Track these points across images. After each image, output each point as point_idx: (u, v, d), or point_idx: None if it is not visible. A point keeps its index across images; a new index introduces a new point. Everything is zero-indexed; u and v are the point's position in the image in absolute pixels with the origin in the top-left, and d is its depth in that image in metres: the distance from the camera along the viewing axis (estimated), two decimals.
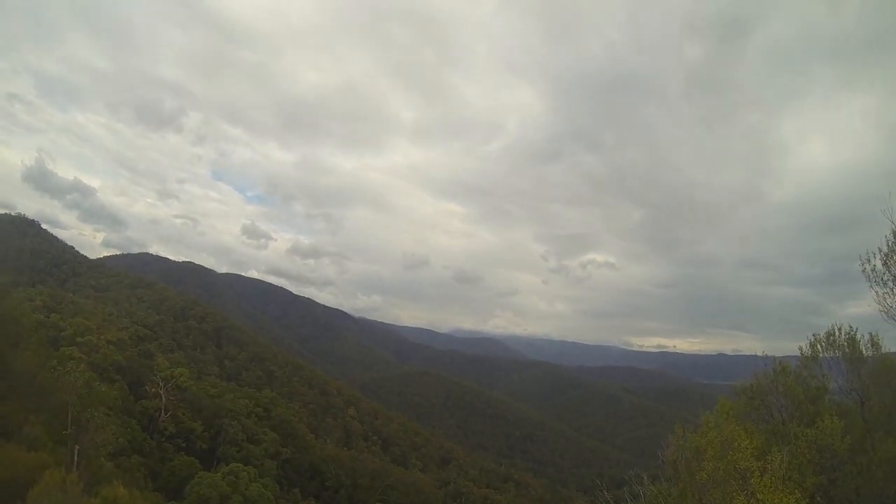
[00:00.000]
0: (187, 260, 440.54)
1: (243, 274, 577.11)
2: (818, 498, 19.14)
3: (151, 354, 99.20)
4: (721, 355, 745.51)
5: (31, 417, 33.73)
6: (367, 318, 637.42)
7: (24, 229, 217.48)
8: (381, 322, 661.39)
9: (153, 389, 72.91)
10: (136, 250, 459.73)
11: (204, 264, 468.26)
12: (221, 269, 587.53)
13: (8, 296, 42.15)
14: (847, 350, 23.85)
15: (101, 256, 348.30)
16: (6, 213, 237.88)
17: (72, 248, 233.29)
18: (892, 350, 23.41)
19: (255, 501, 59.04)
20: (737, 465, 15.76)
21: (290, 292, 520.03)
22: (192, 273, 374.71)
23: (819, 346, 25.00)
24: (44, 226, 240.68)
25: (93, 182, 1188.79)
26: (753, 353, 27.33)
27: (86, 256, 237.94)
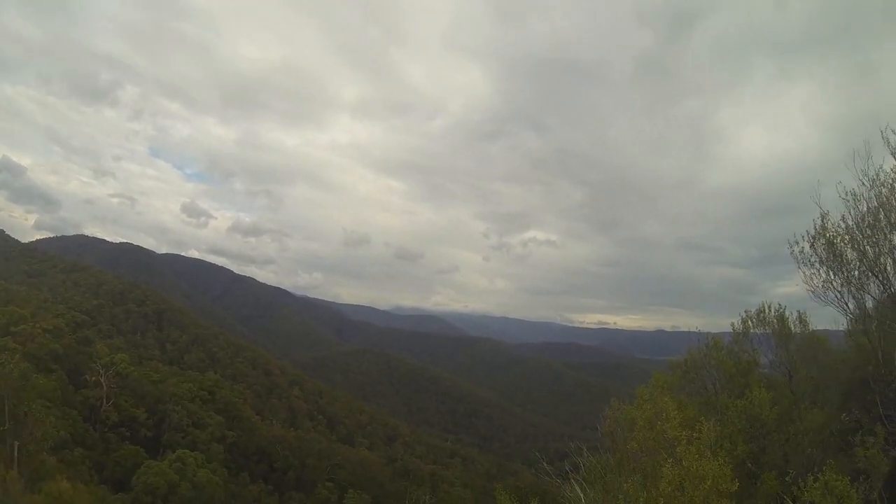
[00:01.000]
0: (125, 241, 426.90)
1: (184, 254, 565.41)
2: (749, 464, 20.54)
3: (90, 341, 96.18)
4: (660, 332, 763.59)
5: None
6: (309, 296, 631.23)
7: None
8: (323, 300, 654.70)
9: (93, 378, 71.22)
10: (70, 232, 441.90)
11: (143, 245, 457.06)
12: (161, 249, 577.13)
13: None
14: (776, 326, 25.34)
15: (34, 240, 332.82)
16: None
17: (1, 230, 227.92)
18: (819, 328, 25.10)
19: (203, 487, 58.83)
20: (665, 434, 16.73)
21: (232, 271, 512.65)
22: (130, 254, 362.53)
23: (750, 323, 26.47)
24: None
25: (23, 160, 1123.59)
26: (690, 330, 28.78)
27: (17, 240, 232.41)
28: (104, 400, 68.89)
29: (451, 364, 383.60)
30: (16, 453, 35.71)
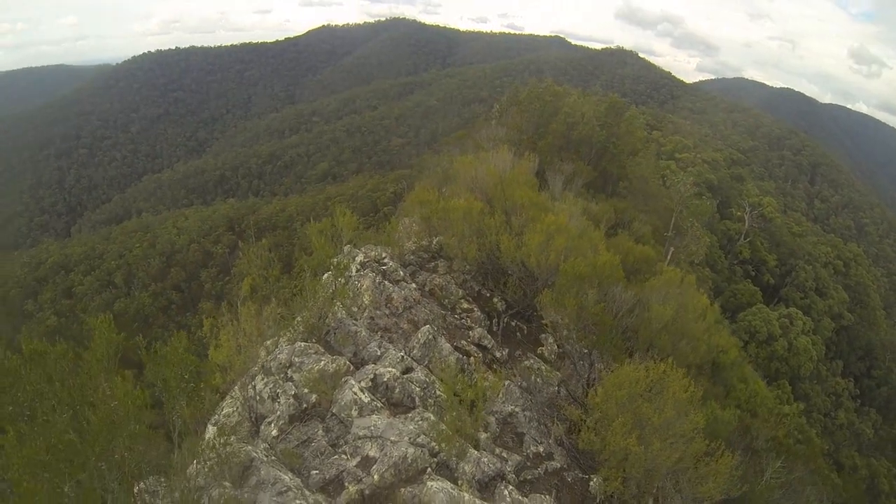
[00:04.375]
0: (785, 86, 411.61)
1: (849, 106, 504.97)
2: None
3: (742, 179, 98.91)
4: None
5: (640, 216, 39.28)
6: None
7: (623, 59, 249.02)
8: None
9: (738, 213, 75.69)
10: (730, 75, 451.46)
11: (804, 91, 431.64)
12: (824, 98, 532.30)
13: (626, 111, 48.65)
14: None
15: (696, 81, 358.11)
16: (607, 47, 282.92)
17: (668, 73, 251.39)
18: None
19: (797, 352, 58.38)
20: None
21: None
22: (789, 100, 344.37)
23: None
24: (640, 55, 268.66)
25: (679, 11, 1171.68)
26: None
27: (681, 80, 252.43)
28: (742, 236, 73.01)
29: None
30: (668, 257, 41.80)
